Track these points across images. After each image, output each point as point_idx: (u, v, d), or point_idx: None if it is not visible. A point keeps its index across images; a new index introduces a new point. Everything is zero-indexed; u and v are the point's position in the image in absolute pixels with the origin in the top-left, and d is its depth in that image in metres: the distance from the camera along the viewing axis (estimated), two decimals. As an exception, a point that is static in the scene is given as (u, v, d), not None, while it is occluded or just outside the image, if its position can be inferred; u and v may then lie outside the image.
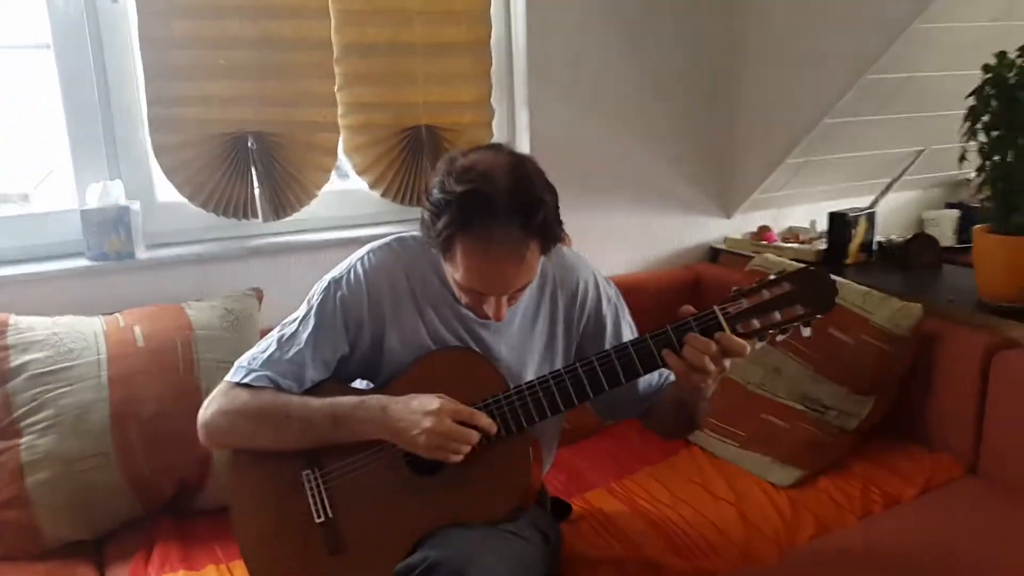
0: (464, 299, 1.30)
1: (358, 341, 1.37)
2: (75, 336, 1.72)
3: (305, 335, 1.35)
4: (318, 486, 1.32)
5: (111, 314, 1.81)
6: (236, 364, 1.37)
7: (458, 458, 1.24)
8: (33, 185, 2.08)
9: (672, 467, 1.93)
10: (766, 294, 1.24)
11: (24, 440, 1.62)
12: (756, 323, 1.23)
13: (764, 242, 2.58)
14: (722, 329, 1.22)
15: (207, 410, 1.34)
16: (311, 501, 1.31)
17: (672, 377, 1.41)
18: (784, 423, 1.93)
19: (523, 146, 2.34)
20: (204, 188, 2.03)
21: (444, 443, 1.23)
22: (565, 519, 1.62)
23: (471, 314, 1.37)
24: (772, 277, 1.25)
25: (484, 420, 1.26)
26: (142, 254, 1.96)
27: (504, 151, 1.25)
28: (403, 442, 1.25)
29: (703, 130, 2.56)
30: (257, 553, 1.35)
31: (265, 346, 1.36)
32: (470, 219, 1.18)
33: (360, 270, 1.37)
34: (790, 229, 2.74)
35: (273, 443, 1.32)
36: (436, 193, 1.21)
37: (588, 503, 1.77)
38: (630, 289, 2.23)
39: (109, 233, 1.91)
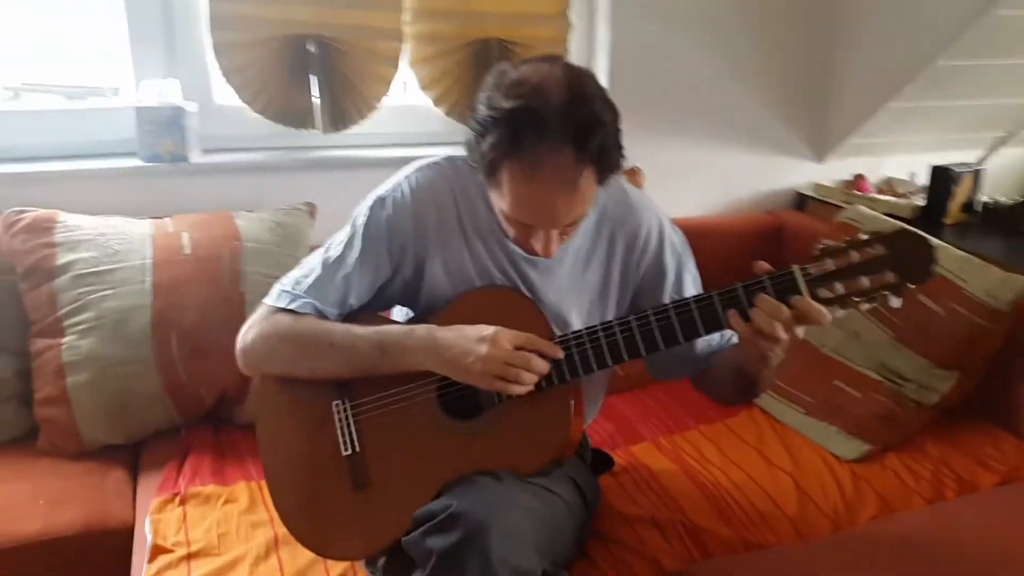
0: (511, 232, 1.19)
1: (401, 266, 1.28)
2: (122, 238, 1.69)
3: (352, 259, 1.26)
4: (347, 419, 1.25)
5: (160, 218, 1.77)
6: (278, 287, 1.29)
7: (521, 389, 1.13)
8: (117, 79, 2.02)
9: (729, 428, 1.81)
10: (855, 256, 1.09)
11: (66, 340, 1.61)
12: (840, 288, 1.08)
13: (857, 192, 2.38)
14: (800, 292, 1.08)
15: (247, 335, 1.27)
16: (339, 433, 1.25)
17: (735, 339, 1.29)
18: (857, 392, 1.79)
19: (601, 67, 2.18)
20: (263, 93, 1.95)
21: (504, 370, 1.11)
22: (606, 472, 1.53)
23: (519, 250, 1.26)
24: (864, 237, 1.10)
25: (546, 344, 1.15)
26: (196, 158, 1.90)
27: (560, 63, 1.11)
28: (457, 371, 1.16)
29: (800, 62, 2.34)
30: (281, 481, 1.30)
31: (309, 269, 1.28)
32: (519, 139, 1.04)
33: (407, 188, 1.27)
34: (887, 180, 2.52)
35: (313, 371, 1.25)
36: (482, 110, 1.09)
37: (633, 457, 1.68)
38: (705, 233, 2.12)
39: (163, 134, 1.85)
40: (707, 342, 1.32)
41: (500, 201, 1.13)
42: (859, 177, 2.44)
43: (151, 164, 1.86)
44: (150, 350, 1.62)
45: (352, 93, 2.00)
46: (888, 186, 2.48)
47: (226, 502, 1.49)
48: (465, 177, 1.26)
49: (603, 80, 2.21)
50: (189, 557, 1.34)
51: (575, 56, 2.17)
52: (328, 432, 1.26)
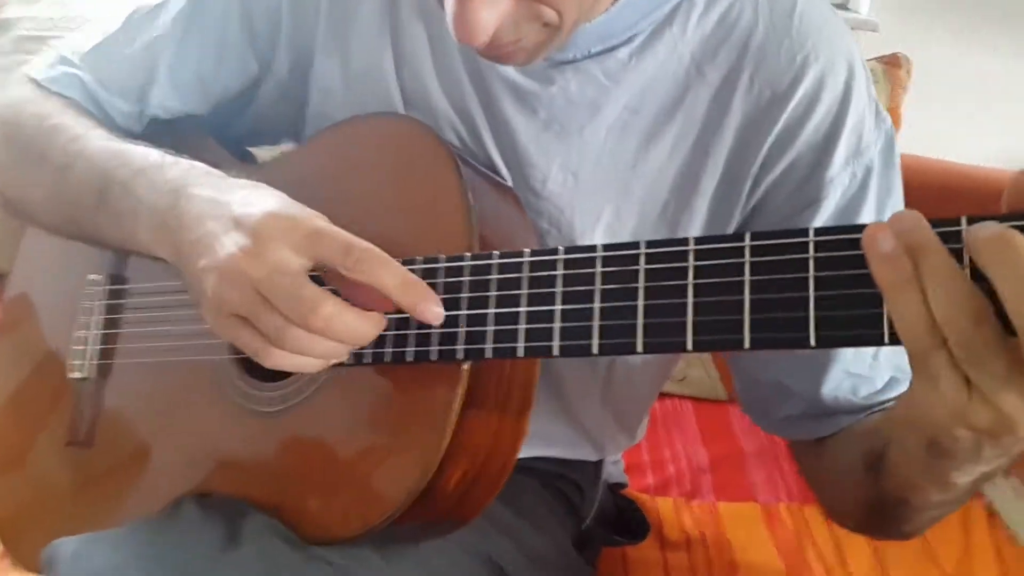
0: None
1: (274, 54, 0.68)
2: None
3: (169, 15, 0.68)
4: (97, 313, 0.68)
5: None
6: (58, 48, 0.74)
7: (281, 361, 0.49)
8: None
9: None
10: None
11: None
12: None
13: None
14: None
15: None
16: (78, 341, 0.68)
17: (898, 387, 0.57)
18: None
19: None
20: None
21: (252, 309, 0.48)
22: (628, 544, 0.85)
23: (500, 67, 0.59)
24: None
25: (394, 272, 0.48)
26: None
27: None
28: (188, 281, 0.53)
29: None
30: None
31: (106, 27, 0.72)
32: None
33: None
34: None
35: (23, 198, 0.69)
36: None
37: (716, 523, 0.97)
38: (985, 196, 1.28)
39: None
40: (848, 378, 0.58)
41: None
42: None
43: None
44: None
45: None
46: None
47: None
48: None
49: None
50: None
51: None
52: (66, 326, 0.69)
